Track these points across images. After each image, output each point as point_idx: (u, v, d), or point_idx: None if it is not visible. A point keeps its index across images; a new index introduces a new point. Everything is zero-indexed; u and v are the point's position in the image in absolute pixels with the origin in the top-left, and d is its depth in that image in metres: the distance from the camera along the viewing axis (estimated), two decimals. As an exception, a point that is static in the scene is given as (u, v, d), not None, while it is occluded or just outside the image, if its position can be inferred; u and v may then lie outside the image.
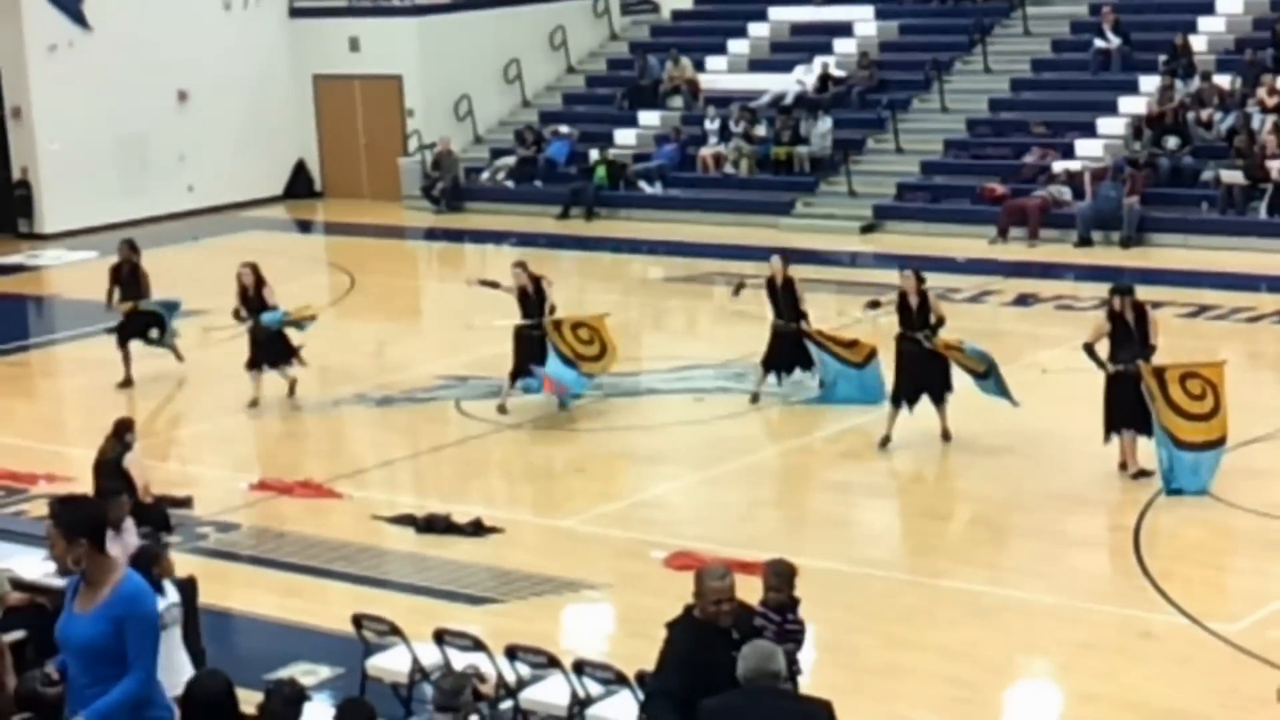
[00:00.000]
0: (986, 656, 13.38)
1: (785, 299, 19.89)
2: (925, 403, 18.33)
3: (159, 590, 10.85)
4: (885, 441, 18.32)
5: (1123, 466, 17.07)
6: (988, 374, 18.15)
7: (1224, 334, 20.10)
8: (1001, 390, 18.10)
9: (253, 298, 20.94)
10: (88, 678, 8.56)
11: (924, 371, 18.28)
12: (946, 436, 18.35)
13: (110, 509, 12.01)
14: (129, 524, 12.56)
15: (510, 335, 20.09)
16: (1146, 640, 13.45)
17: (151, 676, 8.58)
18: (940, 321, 18.26)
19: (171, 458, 18.41)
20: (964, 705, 12.61)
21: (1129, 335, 16.82)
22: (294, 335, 21.11)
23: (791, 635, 10.44)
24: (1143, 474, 16.82)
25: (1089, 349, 17.04)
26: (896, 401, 18.39)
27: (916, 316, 18.23)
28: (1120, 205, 28.06)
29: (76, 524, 8.41)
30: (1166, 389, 16.42)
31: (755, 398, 20.23)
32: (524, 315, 19.98)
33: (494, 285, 20.88)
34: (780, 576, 10.53)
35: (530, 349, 19.84)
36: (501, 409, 19.98)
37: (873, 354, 19.71)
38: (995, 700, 12.91)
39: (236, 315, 21.16)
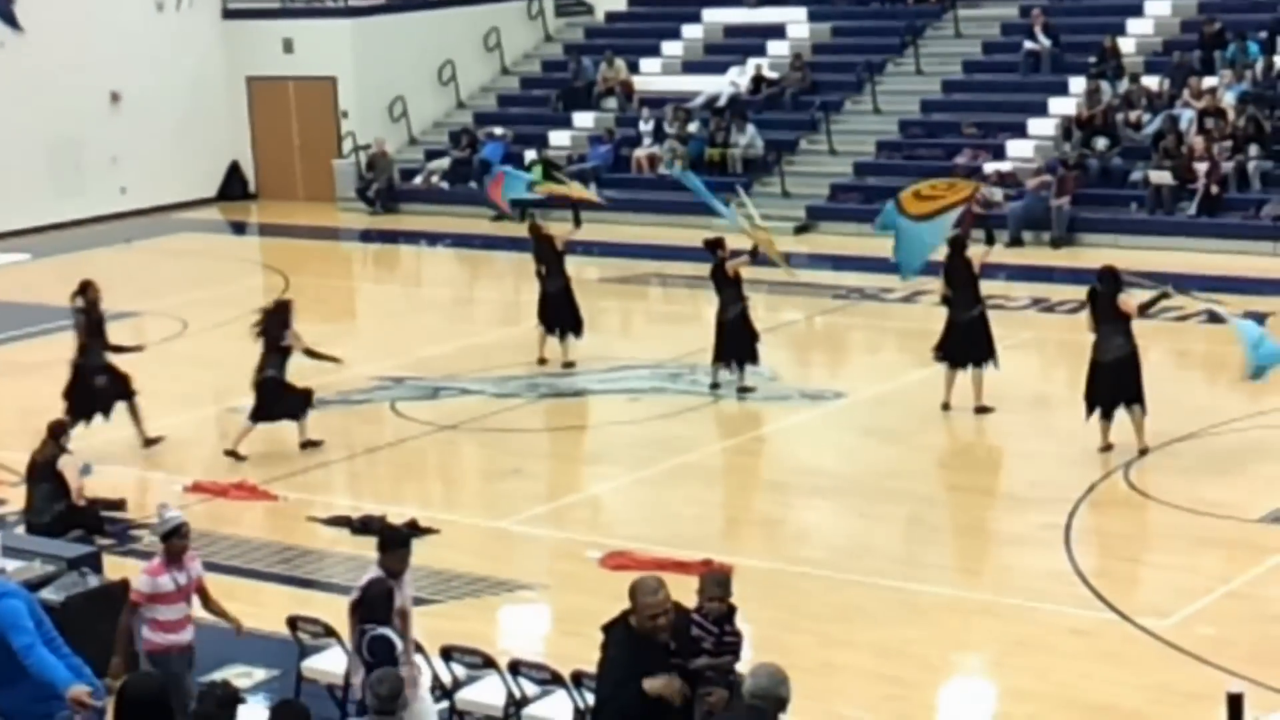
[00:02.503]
0: (920, 654, 13.47)
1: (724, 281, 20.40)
2: (869, 405, 18.43)
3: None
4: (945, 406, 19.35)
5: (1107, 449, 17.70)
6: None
7: (1152, 333, 20.23)
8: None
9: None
10: None
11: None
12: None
13: (393, 561, 11.10)
14: (408, 577, 11.39)
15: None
16: (1078, 637, 13.56)
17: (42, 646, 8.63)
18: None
19: (105, 460, 18.31)
20: (898, 703, 12.70)
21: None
22: None
23: (730, 647, 10.44)
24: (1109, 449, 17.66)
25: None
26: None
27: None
28: (1050, 206, 28.32)
29: None
30: None
31: (715, 387, 20.57)
32: None
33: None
34: (721, 586, 10.53)
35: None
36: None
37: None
38: (929, 698, 13.00)
39: None
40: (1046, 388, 20.98)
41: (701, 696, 9.56)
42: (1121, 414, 17.61)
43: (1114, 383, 17.60)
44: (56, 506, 16.02)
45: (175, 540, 11.31)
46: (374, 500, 17.32)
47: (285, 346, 18.88)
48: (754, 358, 20.53)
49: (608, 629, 9.21)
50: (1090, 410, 17.73)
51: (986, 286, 24.59)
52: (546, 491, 18.00)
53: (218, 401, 21.58)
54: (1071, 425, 18.57)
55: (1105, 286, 17.73)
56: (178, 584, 11.34)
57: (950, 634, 13.90)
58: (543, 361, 21.88)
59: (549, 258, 22.17)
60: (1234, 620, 13.75)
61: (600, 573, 15.04)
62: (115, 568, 14.25)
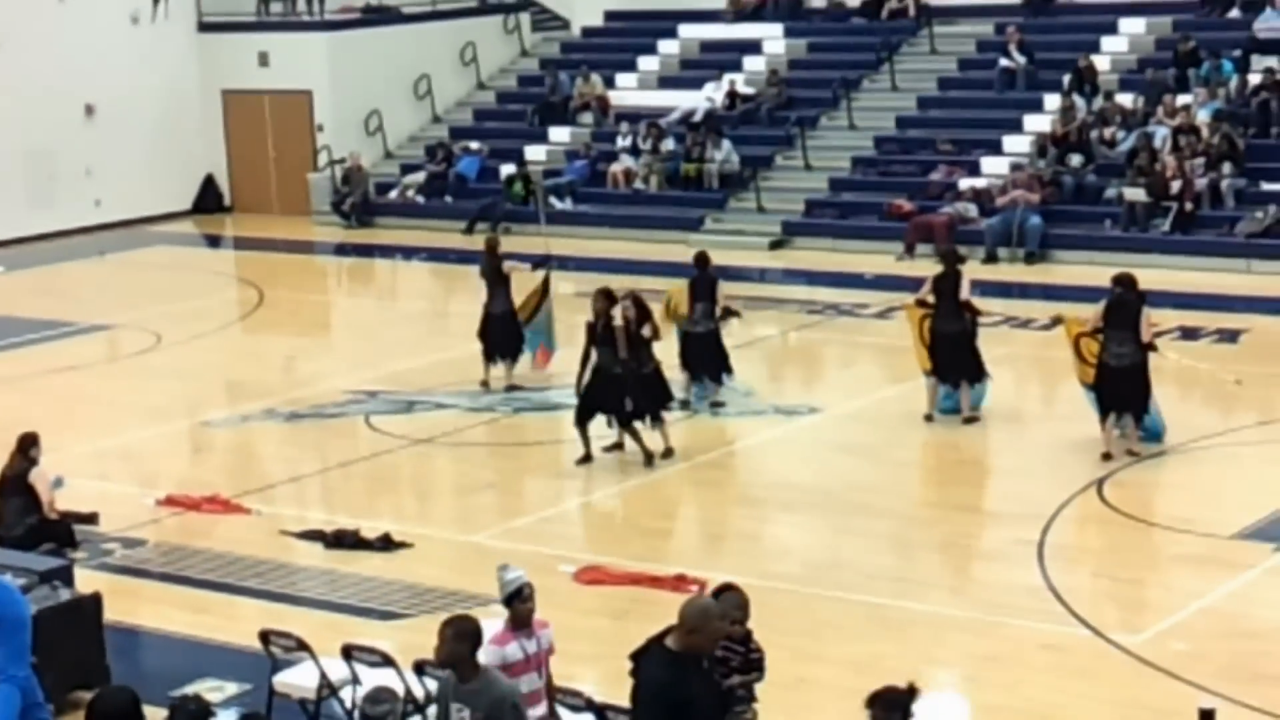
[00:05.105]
0: (892, 669, 13.34)
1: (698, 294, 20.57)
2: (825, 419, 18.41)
3: None
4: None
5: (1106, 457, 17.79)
6: None
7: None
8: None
9: None
10: None
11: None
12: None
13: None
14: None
15: None
16: (1050, 652, 13.57)
17: (30, 676, 8.51)
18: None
19: (77, 473, 18.23)
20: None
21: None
22: None
23: (756, 664, 10.58)
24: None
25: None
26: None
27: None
28: (1025, 222, 28.40)
29: None
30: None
31: (686, 404, 20.40)
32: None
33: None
34: (742, 609, 10.59)
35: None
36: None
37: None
38: (901, 712, 12.98)
39: None
40: (1020, 404, 21.00)
41: (737, 714, 9.60)
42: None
43: (1123, 390, 17.82)
44: (28, 520, 15.97)
45: (519, 604, 10.09)
46: (347, 514, 17.27)
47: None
48: (718, 374, 20.52)
49: (637, 656, 8.91)
50: (1104, 414, 17.90)
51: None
52: (520, 506, 17.98)
53: (190, 415, 21.52)
54: (1045, 441, 18.63)
55: (1129, 293, 17.90)
56: (526, 653, 10.12)
57: (922, 649, 13.89)
58: (485, 385, 21.67)
59: (493, 279, 21.73)
60: (1206, 636, 13.76)
61: (574, 587, 15.03)
62: (87, 581, 14.21)
